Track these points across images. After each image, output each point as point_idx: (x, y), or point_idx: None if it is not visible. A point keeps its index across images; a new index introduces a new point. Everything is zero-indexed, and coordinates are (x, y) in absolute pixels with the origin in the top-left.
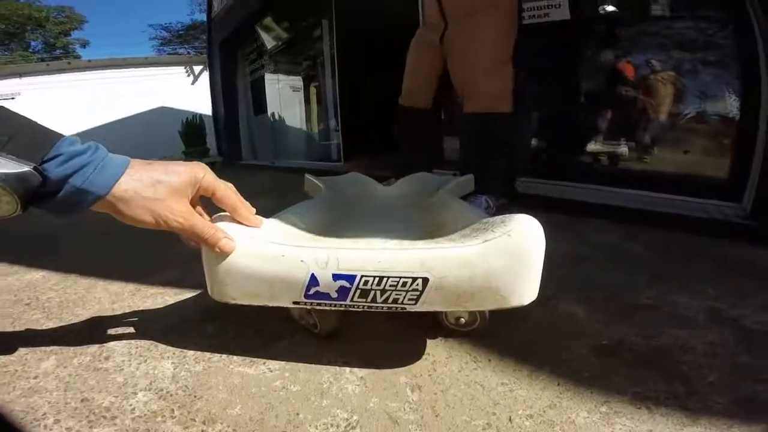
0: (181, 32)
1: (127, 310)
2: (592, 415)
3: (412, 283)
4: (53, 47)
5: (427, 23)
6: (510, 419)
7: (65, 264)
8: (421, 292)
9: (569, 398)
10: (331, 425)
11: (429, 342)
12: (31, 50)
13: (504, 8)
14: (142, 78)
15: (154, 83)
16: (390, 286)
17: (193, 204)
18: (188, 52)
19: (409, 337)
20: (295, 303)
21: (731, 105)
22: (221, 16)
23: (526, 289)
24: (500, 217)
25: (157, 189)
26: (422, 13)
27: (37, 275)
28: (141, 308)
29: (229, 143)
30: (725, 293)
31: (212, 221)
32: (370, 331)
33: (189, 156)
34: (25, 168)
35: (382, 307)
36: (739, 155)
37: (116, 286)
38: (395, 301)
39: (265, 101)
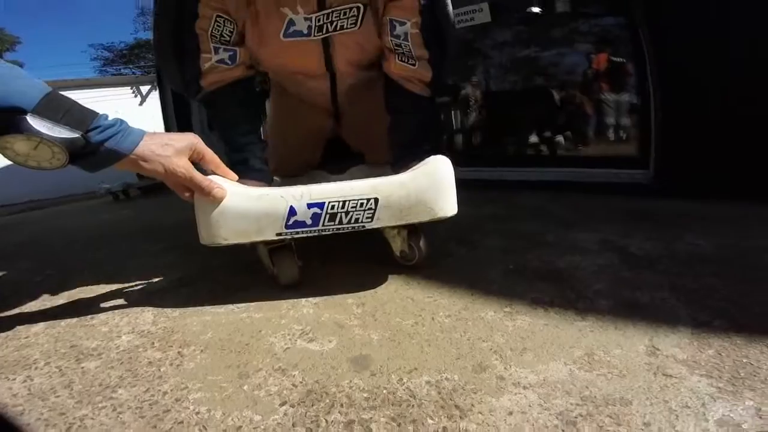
0: (124, 52)
1: (107, 287)
2: (497, 314)
3: (366, 203)
4: None
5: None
6: (433, 318)
7: (42, 264)
8: (375, 210)
9: (480, 303)
10: (289, 334)
11: (374, 278)
12: None
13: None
14: (86, 101)
15: (99, 106)
16: (351, 207)
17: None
18: (133, 72)
19: (358, 276)
20: (278, 234)
21: (635, 95)
22: None
23: (447, 203)
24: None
25: (166, 149)
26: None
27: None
28: (120, 284)
29: None
30: (619, 231)
31: None
32: (327, 274)
33: (143, 179)
34: (77, 135)
35: (347, 227)
36: (642, 134)
37: (95, 271)
38: (356, 220)
39: None
